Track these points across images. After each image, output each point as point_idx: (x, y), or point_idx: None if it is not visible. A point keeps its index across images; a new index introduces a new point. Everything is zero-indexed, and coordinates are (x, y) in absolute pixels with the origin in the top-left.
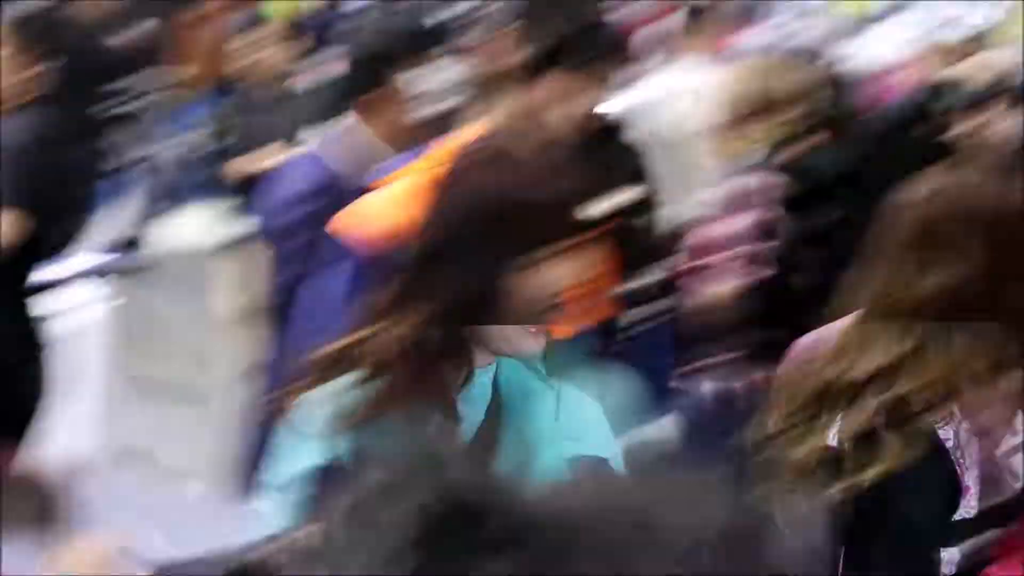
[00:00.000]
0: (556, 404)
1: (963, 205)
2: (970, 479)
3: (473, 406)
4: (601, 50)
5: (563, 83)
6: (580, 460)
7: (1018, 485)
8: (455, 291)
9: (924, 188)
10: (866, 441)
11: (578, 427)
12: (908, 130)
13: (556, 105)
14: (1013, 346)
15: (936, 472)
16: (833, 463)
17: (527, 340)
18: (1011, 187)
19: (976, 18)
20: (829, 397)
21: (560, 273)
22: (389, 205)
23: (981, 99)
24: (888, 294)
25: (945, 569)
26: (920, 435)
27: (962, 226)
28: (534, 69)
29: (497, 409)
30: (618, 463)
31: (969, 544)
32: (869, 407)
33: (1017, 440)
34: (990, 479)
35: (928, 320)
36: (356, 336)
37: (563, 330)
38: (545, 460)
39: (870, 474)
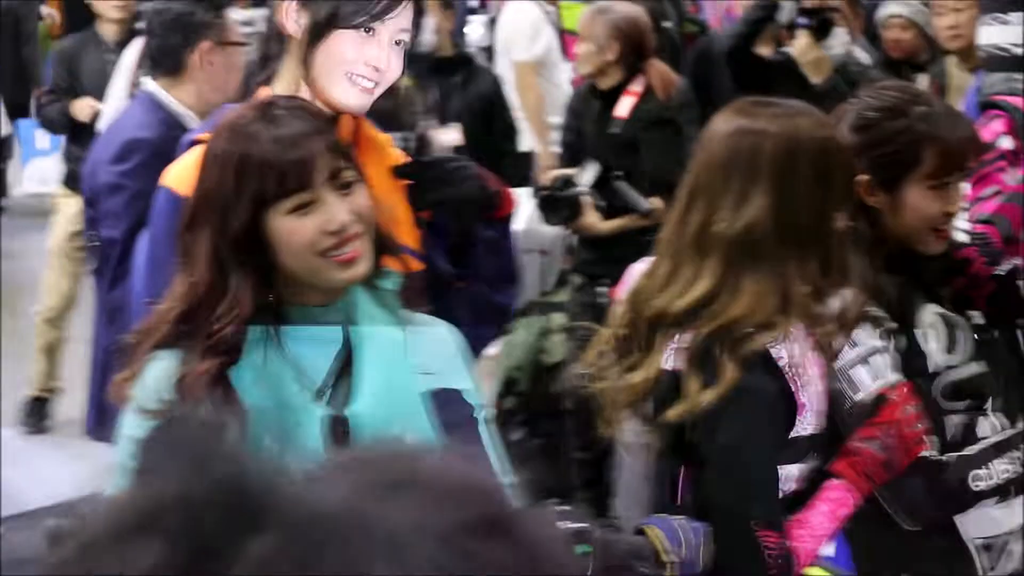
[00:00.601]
0: (407, 338)
1: (755, 146)
2: (806, 396)
3: (320, 348)
4: (392, 2)
5: (347, 41)
6: (436, 393)
7: (858, 396)
8: (209, 250)
9: (725, 125)
10: (700, 364)
11: (434, 359)
12: (744, 49)
13: (338, 66)
14: (822, 272)
15: (770, 391)
16: (669, 386)
17: (333, 272)
18: (809, 124)
19: None
20: (661, 324)
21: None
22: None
23: (807, 20)
24: (698, 227)
25: (784, 485)
26: (751, 356)
27: (753, 167)
28: (317, 31)
29: (348, 347)
30: (475, 393)
31: (809, 460)
32: (699, 332)
33: (858, 352)
34: (837, 395)
35: (736, 253)
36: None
37: (398, 263)
38: (401, 396)
39: (705, 396)
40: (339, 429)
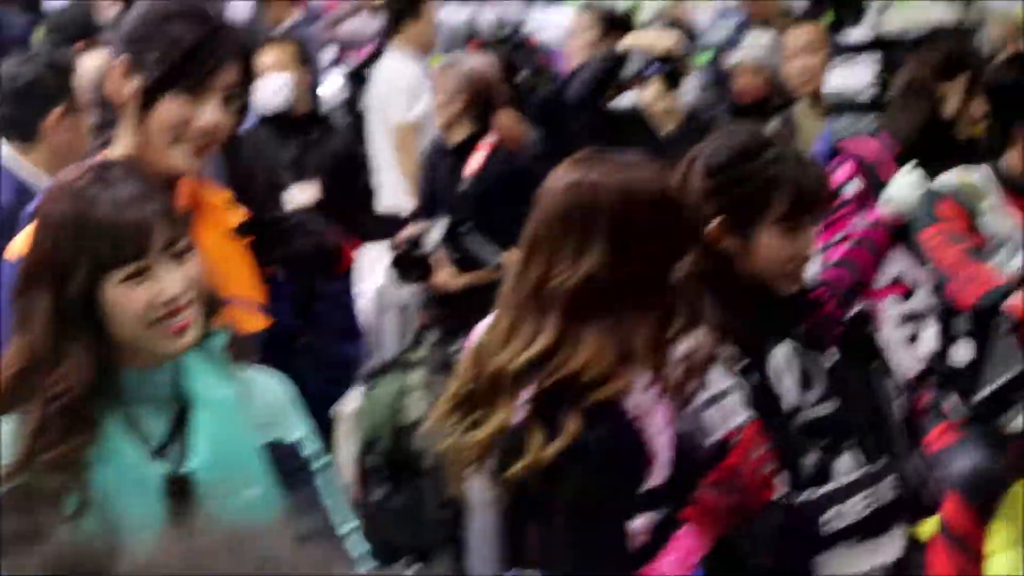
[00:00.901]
0: (242, 392)
1: (591, 199)
2: (656, 448)
3: (152, 407)
4: (220, 61)
5: (178, 105)
6: (272, 444)
7: (709, 440)
8: (45, 315)
9: (562, 179)
10: (542, 418)
11: (268, 412)
12: (593, 100)
13: (170, 130)
14: (664, 321)
15: (616, 444)
16: (514, 442)
17: (164, 341)
18: (645, 175)
19: None
20: (503, 380)
21: (169, 280)
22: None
23: (656, 69)
24: (536, 282)
25: (635, 540)
26: (594, 408)
27: (589, 220)
28: (148, 97)
29: (182, 406)
30: (310, 442)
31: (661, 511)
32: (541, 387)
33: (709, 394)
34: (687, 440)
35: (575, 306)
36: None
37: (238, 322)
38: (237, 451)
39: (548, 451)
40: (178, 487)
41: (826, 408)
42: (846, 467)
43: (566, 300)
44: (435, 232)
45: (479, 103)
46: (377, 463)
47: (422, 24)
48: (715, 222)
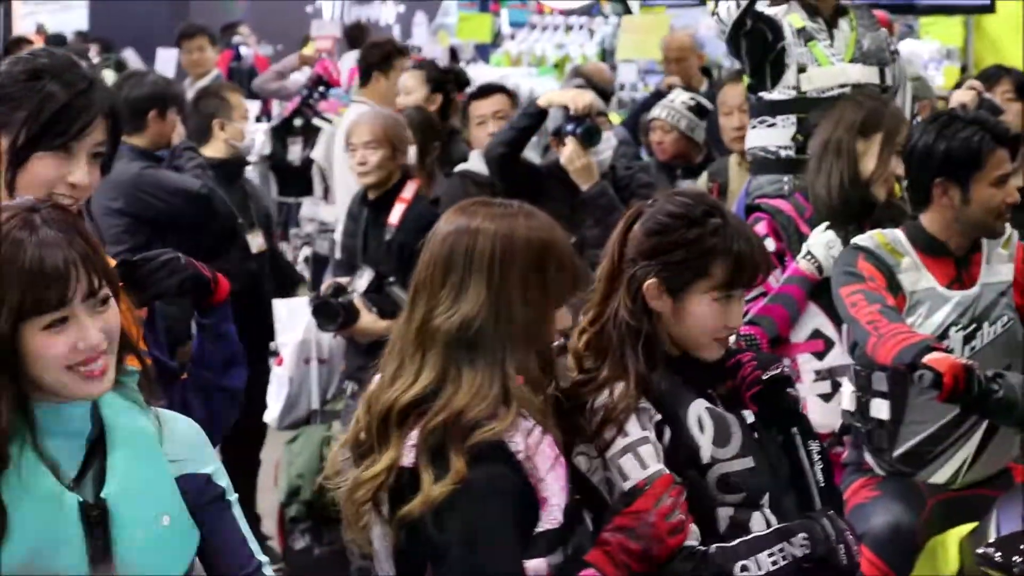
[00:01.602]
0: (157, 427)
1: (470, 244)
2: (547, 490)
3: (70, 440)
4: (90, 120)
5: (49, 162)
6: (185, 477)
7: (626, 485)
8: None
9: (446, 224)
10: (430, 458)
11: (180, 447)
12: (512, 153)
13: (41, 187)
14: (543, 365)
15: (504, 483)
16: (406, 483)
17: (81, 385)
18: (526, 222)
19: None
20: (390, 419)
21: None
22: None
23: (574, 128)
24: (420, 322)
25: None
26: (480, 447)
27: (468, 263)
28: (18, 154)
29: (99, 439)
30: (221, 476)
31: (557, 554)
32: (427, 426)
33: (626, 442)
34: (604, 482)
35: (455, 346)
36: None
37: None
38: (153, 480)
39: (436, 490)
40: (95, 513)
41: (741, 464)
42: (759, 525)
43: (446, 340)
44: (360, 281)
45: (396, 154)
46: (300, 513)
47: (391, 82)
48: (649, 281)
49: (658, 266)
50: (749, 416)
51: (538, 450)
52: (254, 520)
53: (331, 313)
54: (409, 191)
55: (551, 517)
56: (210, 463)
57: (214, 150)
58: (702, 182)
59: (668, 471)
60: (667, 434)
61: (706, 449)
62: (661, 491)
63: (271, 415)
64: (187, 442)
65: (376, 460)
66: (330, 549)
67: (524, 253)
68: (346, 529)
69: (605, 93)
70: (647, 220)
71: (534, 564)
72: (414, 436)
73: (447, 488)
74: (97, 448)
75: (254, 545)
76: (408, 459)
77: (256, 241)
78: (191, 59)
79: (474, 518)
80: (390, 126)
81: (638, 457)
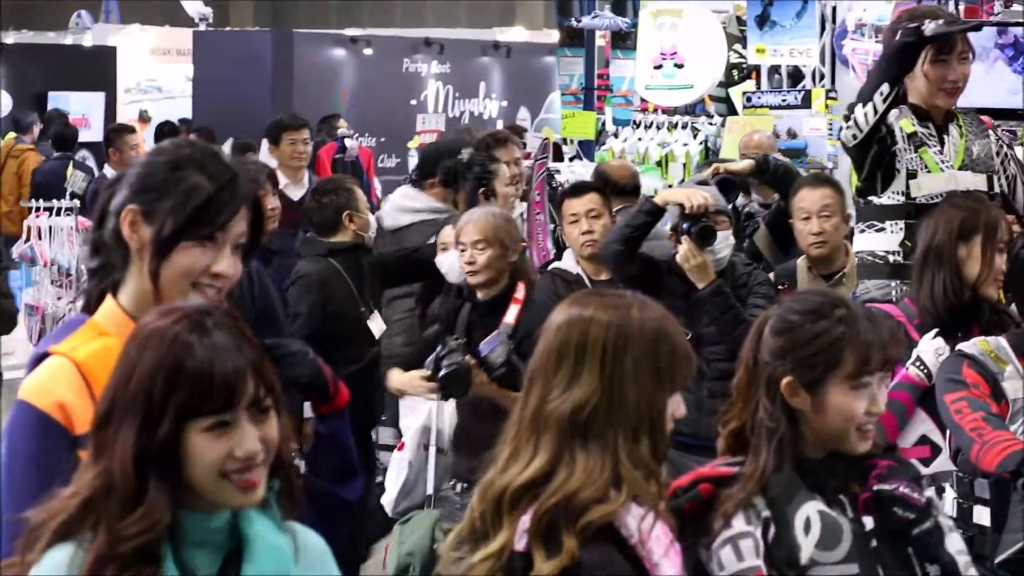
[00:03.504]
0: (293, 544)
1: (584, 333)
2: (663, 572)
3: (205, 554)
4: (234, 211)
5: (193, 253)
6: None
7: (722, 574)
8: (128, 451)
9: (560, 315)
10: (543, 540)
11: (311, 564)
12: (632, 250)
13: (185, 277)
14: (654, 452)
15: (615, 566)
16: (520, 568)
17: (234, 494)
18: (639, 312)
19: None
20: (504, 503)
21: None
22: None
23: (688, 227)
24: (534, 409)
25: None
26: (590, 529)
27: (581, 351)
28: (163, 246)
29: (235, 554)
30: None
31: None
32: (540, 508)
33: (729, 534)
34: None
35: (568, 431)
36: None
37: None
38: None
39: (547, 569)
40: None
41: (844, 571)
42: None
43: (559, 425)
44: (500, 350)
45: (507, 253)
46: None
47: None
48: (786, 380)
49: (791, 363)
50: (868, 523)
51: (651, 536)
52: None
53: (458, 377)
54: (521, 292)
55: None
56: None
57: (343, 238)
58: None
59: (763, 568)
60: (772, 532)
61: (806, 551)
62: None
63: (387, 499)
64: (317, 559)
65: (489, 542)
66: None
67: (638, 340)
68: None
69: (625, 190)
70: (775, 322)
71: None
72: (527, 521)
73: (558, 566)
74: (231, 560)
75: None
76: (521, 544)
77: (376, 326)
78: (295, 150)
79: None
80: (500, 225)
81: (737, 550)
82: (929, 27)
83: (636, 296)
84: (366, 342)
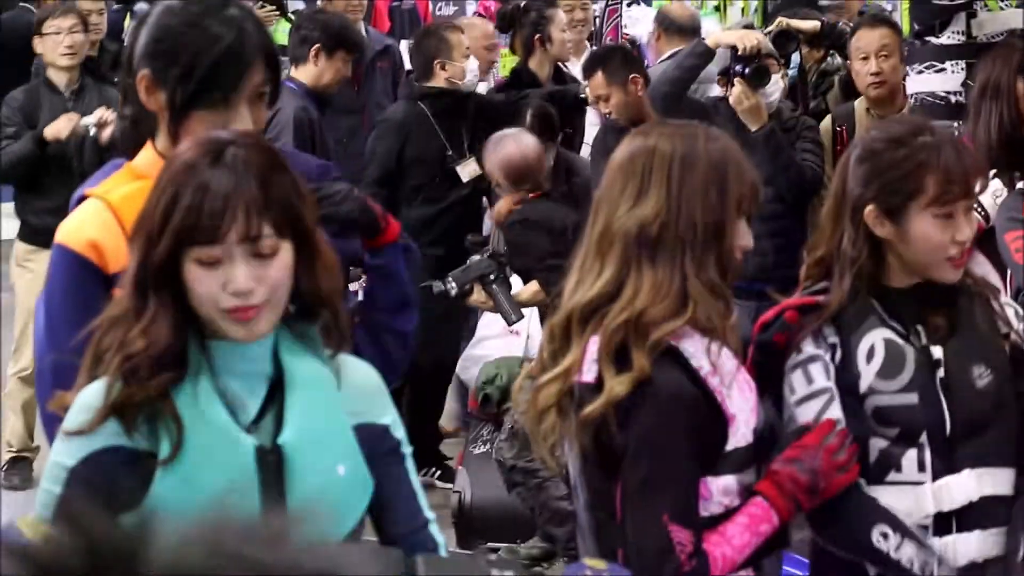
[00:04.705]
0: (336, 374)
1: (650, 154)
2: (734, 407)
3: (246, 381)
4: (245, 68)
5: (209, 117)
6: (362, 427)
7: (792, 399)
8: (132, 270)
9: (624, 147)
10: (613, 357)
11: (358, 396)
12: (681, 94)
13: None
14: (721, 273)
15: (684, 388)
16: (588, 397)
17: (233, 327)
18: (702, 136)
19: None
20: (572, 321)
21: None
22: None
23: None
24: (601, 230)
25: (723, 498)
26: (660, 346)
27: (648, 171)
28: (178, 111)
29: (278, 382)
30: (398, 428)
31: (746, 473)
32: (608, 327)
33: (799, 358)
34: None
35: (633, 249)
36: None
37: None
38: (330, 428)
39: (620, 385)
40: (270, 459)
41: (903, 399)
42: (911, 462)
43: (625, 241)
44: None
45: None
46: (494, 394)
47: None
48: (868, 209)
49: (874, 191)
50: (936, 352)
51: (719, 363)
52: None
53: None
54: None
55: (740, 435)
56: (388, 413)
57: (436, 83)
58: (826, 125)
59: (834, 390)
60: (838, 357)
61: (866, 379)
62: (827, 430)
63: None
64: (366, 391)
65: (560, 362)
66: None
67: (703, 162)
68: (534, 446)
69: (685, 31)
70: (860, 151)
71: (724, 482)
72: (594, 350)
73: (630, 384)
74: (277, 391)
75: (423, 501)
76: (590, 374)
77: (466, 170)
78: (350, 3)
79: (654, 414)
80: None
81: (807, 373)
82: None
83: (701, 125)
84: (447, 186)
